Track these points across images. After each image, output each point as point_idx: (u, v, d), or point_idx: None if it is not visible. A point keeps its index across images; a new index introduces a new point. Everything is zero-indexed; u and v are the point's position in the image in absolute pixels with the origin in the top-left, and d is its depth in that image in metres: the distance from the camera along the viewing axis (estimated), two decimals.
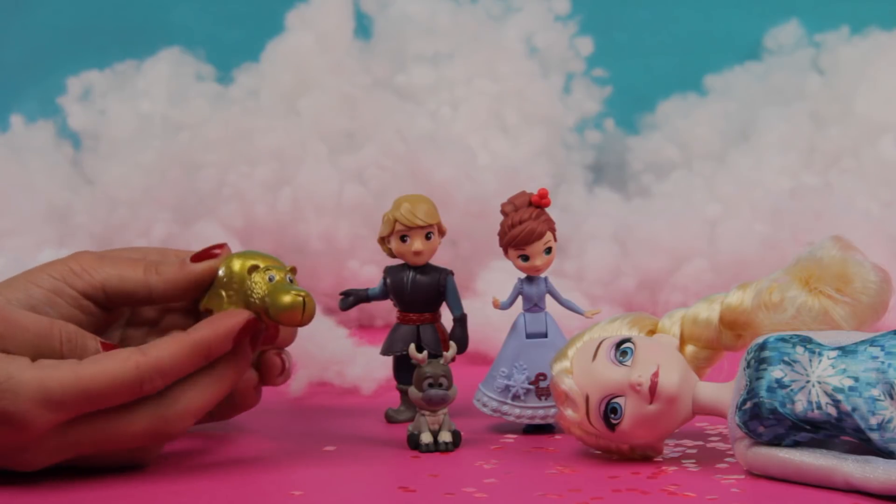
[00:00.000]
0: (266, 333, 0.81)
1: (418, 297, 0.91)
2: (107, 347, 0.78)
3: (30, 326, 0.77)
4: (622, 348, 0.80)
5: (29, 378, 0.73)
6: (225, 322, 0.79)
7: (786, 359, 0.75)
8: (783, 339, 0.77)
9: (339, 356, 1.02)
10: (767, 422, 0.75)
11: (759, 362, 0.76)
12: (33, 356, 0.75)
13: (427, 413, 0.84)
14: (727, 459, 0.81)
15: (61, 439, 0.75)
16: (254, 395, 0.86)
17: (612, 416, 0.79)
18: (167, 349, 0.76)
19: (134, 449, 0.79)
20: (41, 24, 1.64)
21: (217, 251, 0.83)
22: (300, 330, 1.03)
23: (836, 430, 0.74)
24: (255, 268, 0.81)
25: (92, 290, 0.81)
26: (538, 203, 0.87)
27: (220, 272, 0.82)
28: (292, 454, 0.84)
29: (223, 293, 0.81)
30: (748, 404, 0.76)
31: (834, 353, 0.75)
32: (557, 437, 0.88)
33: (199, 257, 0.83)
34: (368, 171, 1.32)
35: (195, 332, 0.78)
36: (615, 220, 1.33)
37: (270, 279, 0.80)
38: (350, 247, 1.30)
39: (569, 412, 0.81)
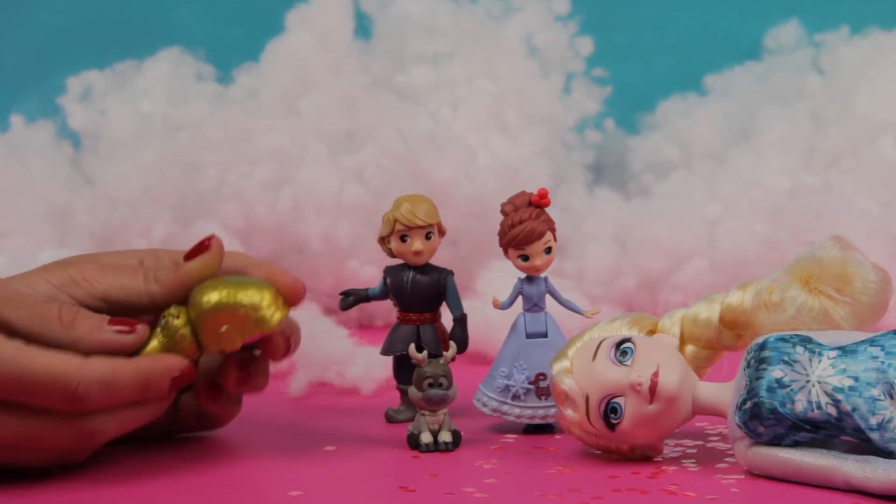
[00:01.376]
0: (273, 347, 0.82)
1: (418, 297, 0.91)
2: (116, 322, 0.77)
3: (30, 294, 0.77)
4: (622, 348, 0.80)
5: None
6: (166, 360, 0.77)
7: (786, 359, 0.75)
8: (783, 339, 0.77)
9: (339, 356, 1.02)
10: (767, 422, 0.75)
11: (759, 362, 0.76)
12: (32, 323, 0.75)
13: (427, 413, 0.84)
14: (727, 459, 0.81)
15: None
16: (214, 405, 0.85)
17: (612, 415, 0.79)
18: (111, 362, 0.75)
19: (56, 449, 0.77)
20: (41, 24, 1.64)
21: (207, 242, 0.81)
22: (302, 330, 1.03)
23: (836, 430, 0.74)
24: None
25: (91, 299, 0.79)
26: (538, 203, 0.87)
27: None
28: (292, 454, 0.84)
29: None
30: (748, 404, 0.76)
31: (834, 353, 0.75)
32: (557, 437, 0.88)
33: (191, 255, 0.80)
34: (368, 171, 1.32)
35: (137, 358, 0.77)
36: (615, 220, 1.33)
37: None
38: (350, 247, 1.30)
39: (569, 412, 0.81)
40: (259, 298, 0.79)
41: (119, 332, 0.77)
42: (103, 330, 0.77)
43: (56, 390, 0.73)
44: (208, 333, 0.78)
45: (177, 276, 0.80)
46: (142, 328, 0.78)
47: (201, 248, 0.81)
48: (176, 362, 0.77)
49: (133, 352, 0.78)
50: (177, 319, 0.79)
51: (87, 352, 0.76)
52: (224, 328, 0.78)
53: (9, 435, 0.74)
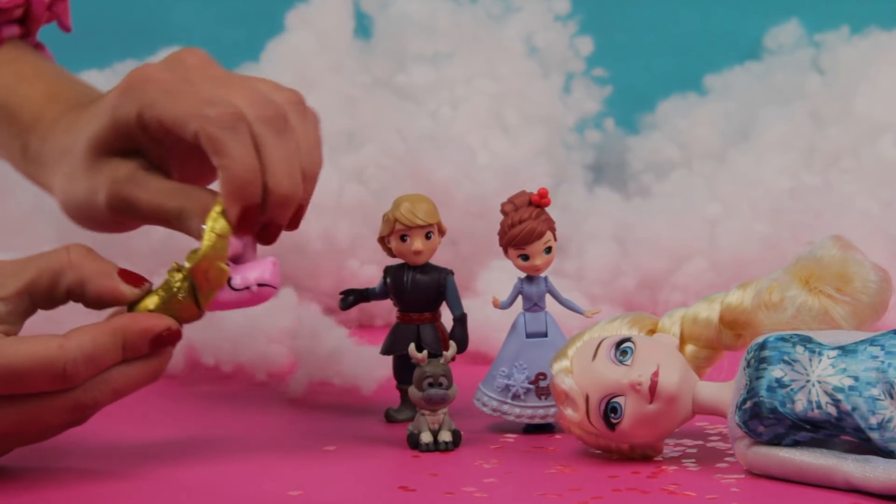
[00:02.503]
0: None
1: (418, 297, 0.91)
2: (126, 275, 0.78)
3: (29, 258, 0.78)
4: (622, 348, 0.80)
5: None
6: (145, 320, 0.77)
7: (786, 358, 0.75)
8: (783, 339, 0.77)
9: (339, 356, 1.02)
10: (767, 421, 0.75)
11: (758, 362, 0.76)
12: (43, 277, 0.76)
13: (427, 412, 0.84)
14: (727, 459, 0.81)
15: None
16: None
17: (612, 415, 0.79)
18: (88, 333, 0.75)
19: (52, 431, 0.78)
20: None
21: (142, 283, 0.79)
22: (302, 329, 1.03)
23: (836, 430, 0.74)
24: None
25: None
26: (538, 202, 0.87)
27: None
28: (292, 454, 0.84)
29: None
30: (748, 404, 0.76)
31: (834, 353, 0.75)
32: (557, 436, 0.88)
33: (128, 279, 0.79)
34: (368, 171, 1.32)
35: (113, 319, 0.77)
36: (615, 220, 1.33)
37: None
38: (350, 247, 1.30)
39: (569, 412, 0.81)
40: (210, 223, 0.79)
41: (125, 283, 0.78)
42: (112, 277, 0.78)
43: (45, 375, 0.74)
44: (198, 284, 0.78)
45: (106, 291, 0.78)
46: (146, 286, 0.79)
47: (138, 281, 0.79)
48: (154, 322, 0.77)
49: (131, 307, 0.78)
50: (177, 273, 0.79)
51: (88, 296, 0.77)
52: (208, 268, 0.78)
53: (8, 424, 0.75)
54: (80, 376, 0.75)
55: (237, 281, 0.79)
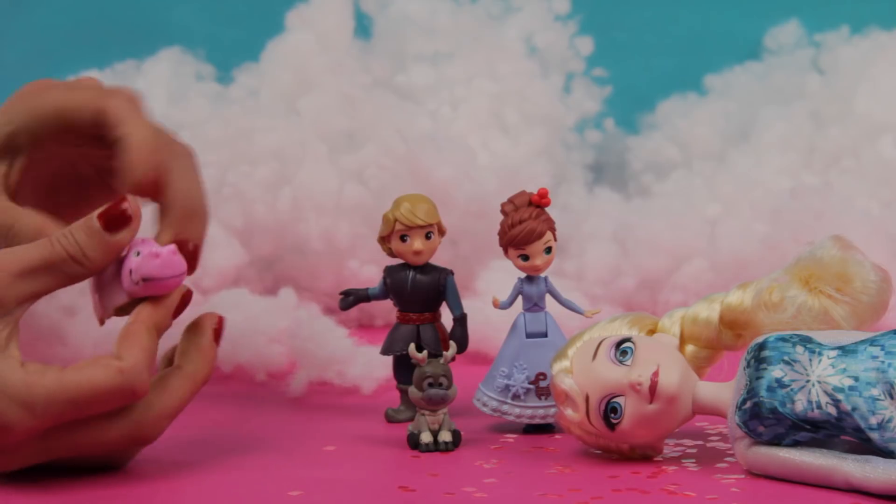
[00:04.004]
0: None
1: (418, 297, 0.91)
2: (105, 218, 0.77)
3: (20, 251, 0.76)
4: (622, 348, 0.80)
5: (17, 380, 0.73)
6: (170, 301, 0.78)
7: (786, 358, 0.75)
8: (783, 339, 0.77)
9: (339, 356, 1.02)
10: (767, 421, 0.75)
11: (758, 362, 0.76)
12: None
13: (427, 412, 0.84)
14: (727, 459, 0.81)
15: (39, 443, 0.75)
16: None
17: (612, 415, 0.79)
18: (141, 347, 0.75)
19: (110, 451, 0.78)
20: (41, 24, 1.64)
21: (126, 206, 0.79)
22: (302, 330, 1.03)
23: (836, 430, 0.74)
24: None
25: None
26: (538, 202, 0.87)
27: None
28: (292, 454, 0.84)
29: None
30: (748, 404, 0.76)
31: (834, 353, 0.75)
32: (557, 436, 0.88)
33: (110, 224, 0.78)
34: (368, 171, 1.32)
35: (141, 317, 0.77)
36: (615, 220, 1.33)
37: None
38: (350, 247, 1.30)
39: (569, 412, 0.81)
40: None
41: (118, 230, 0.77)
42: (104, 239, 0.77)
43: (111, 401, 0.75)
44: None
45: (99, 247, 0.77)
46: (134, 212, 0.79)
47: (124, 217, 0.78)
48: (174, 297, 0.78)
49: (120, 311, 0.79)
50: None
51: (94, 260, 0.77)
52: None
53: (85, 445, 0.76)
54: (147, 386, 0.76)
55: (135, 275, 0.78)
